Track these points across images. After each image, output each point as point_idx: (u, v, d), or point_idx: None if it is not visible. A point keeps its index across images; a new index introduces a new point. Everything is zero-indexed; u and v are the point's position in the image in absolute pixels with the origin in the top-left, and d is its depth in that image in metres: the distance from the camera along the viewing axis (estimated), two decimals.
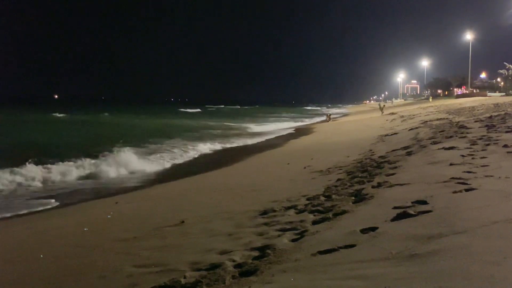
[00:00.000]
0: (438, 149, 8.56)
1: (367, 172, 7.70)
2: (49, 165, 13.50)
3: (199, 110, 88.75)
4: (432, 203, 4.32)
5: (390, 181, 6.12)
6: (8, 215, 8.58)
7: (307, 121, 49.99)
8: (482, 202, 4.12)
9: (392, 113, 36.28)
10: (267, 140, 25.07)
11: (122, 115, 56.28)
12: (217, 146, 21.91)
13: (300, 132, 30.81)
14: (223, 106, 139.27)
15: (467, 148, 8.04)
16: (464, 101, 45.29)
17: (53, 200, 9.98)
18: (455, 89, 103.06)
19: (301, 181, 8.32)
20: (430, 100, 64.14)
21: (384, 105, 53.26)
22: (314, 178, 8.44)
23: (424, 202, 4.42)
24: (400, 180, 6.00)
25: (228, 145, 22.52)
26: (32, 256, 5.20)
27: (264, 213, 5.77)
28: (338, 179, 7.50)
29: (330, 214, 4.91)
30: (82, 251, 5.18)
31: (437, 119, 19.79)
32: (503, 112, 17.56)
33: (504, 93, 67.46)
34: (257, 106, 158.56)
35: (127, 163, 14.56)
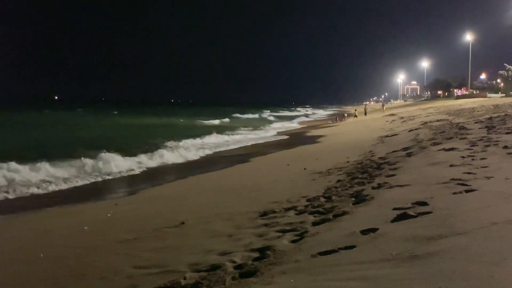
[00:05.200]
0: (438, 150, 8.56)
1: (367, 173, 7.70)
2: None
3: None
4: (432, 204, 4.32)
5: (390, 182, 6.12)
6: (8, 214, 8.57)
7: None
8: (482, 203, 4.13)
9: (392, 114, 36.33)
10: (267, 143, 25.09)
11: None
12: None
13: (300, 133, 30.82)
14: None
15: (467, 149, 8.05)
16: (464, 102, 45.23)
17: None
18: (455, 90, 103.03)
19: (301, 182, 8.32)
20: (384, 109, 55.77)
21: (365, 107, 52.37)
22: (314, 179, 8.44)
23: (424, 203, 4.42)
24: (400, 181, 6.00)
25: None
26: (32, 257, 5.20)
27: (264, 214, 5.77)
28: (338, 180, 7.51)
29: (330, 215, 4.92)
30: (82, 252, 5.18)
31: (437, 120, 19.79)
32: (503, 114, 17.58)
33: (504, 94, 67.38)
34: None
35: None
